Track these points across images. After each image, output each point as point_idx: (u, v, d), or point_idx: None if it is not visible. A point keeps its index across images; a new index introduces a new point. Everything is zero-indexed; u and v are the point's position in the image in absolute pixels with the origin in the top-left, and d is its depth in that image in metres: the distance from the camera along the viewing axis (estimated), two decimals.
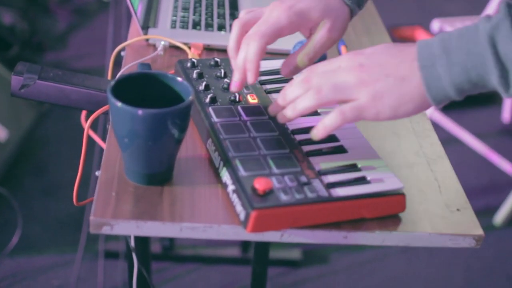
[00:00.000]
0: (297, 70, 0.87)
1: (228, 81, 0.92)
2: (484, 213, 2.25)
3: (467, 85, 0.72)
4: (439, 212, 0.82)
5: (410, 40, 3.11)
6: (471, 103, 2.68)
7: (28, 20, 2.75)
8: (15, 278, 1.89)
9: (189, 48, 1.12)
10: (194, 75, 0.95)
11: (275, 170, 0.79)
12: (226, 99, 0.90)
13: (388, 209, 0.80)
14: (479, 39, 0.70)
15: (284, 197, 0.75)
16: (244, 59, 0.83)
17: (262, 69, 0.98)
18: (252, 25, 0.85)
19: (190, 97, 0.76)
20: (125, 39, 1.14)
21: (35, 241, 2.00)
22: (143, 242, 1.04)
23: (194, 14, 1.24)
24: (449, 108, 2.29)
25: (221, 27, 1.21)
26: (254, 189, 0.75)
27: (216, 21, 1.23)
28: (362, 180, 0.79)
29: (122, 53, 1.11)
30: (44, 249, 1.98)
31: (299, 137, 0.86)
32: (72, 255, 1.88)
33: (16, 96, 0.93)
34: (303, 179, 0.78)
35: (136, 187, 0.79)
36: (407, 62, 0.74)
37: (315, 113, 0.90)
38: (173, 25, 1.20)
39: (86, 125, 0.89)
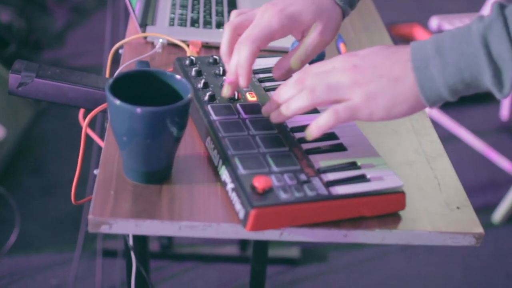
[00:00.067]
0: (289, 72, 0.87)
1: None
2: (482, 210, 2.25)
3: (461, 86, 0.72)
4: (439, 210, 0.82)
5: (408, 37, 3.11)
6: (469, 101, 2.68)
7: (26, 18, 2.74)
8: (13, 277, 1.88)
9: (188, 45, 1.11)
10: (193, 73, 0.95)
11: (274, 168, 0.78)
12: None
13: (388, 207, 0.79)
14: (472, 40, 0.70)
15: (283, 196, 0.74)
16: (236, 64, 0.83)
17: (260, 67, 0.98)
18: (244, 28, 0.85)
19: (189, 95, 0.76)
20: (123, 37, 1.14)
21: (33, 239, 1.99)
22: (141, 240, 1.04)
23: (192, 12, 1.23)
24: (447, 106, 2.28)
25: (219, 25, 1.20)
26: (253, 188, 0.75)
27: (214, 18, 1.22)
28: (361, 178, 0.79)
29: (120, 51, 1.10)
30: (42, 248, 1.98)
31: (298, 135, 0.85)
32: (70, 253, 1.87)
33: (13, 94, 0.93)
34: (303, 177, 0.77)
35: (134, 185, 0.79)
36: (401, 63, 0.74)
37: (314, 111, 0.90)
38: (171, 22, 1.19)
39: (84, 123, 0.89)
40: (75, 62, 2.85)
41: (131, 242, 1.01)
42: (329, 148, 0.84)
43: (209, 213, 0.76)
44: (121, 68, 1.02)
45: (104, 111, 0.90)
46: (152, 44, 1.12)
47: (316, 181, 0.77)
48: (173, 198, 0.78)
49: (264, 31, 0.83)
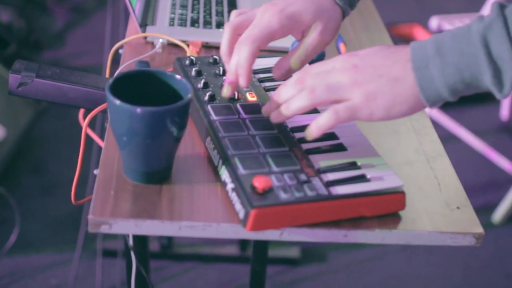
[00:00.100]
0: (289, 72, 0.87)
1: None
2: (482, 210, 2.25)
3: (461, 86, 0.72)
4: (439, 210, 0.82)
5: (408, 37, 3.11)
6: (469, 101, 2.67)
7: (26, 18, 2.74)
8: (13, 277, 1.88)
9: (188, 45, 1.11)
10: (193, 73, 0.95)
11: (274, 168, 0.78)
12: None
13: (388, 207, 0.79)
14: (472, 40, 0.70)
15: (283, 196, 0.74)
16: (236, 65, 0.83)
17: (261, 67, 0.98)
18: (243, 28, 0.85)
19: (189, 95, 0.76)
20: (123, 37, 1.14)
21: (33, 239, 1.99)
22: (141, 240, 1.04)
23: (192, 12, 1.23)
24: (447, 106, 2.28)
25: (219, 25, 1.20)
26: (253, 188, 0.75)
27: (214, 18, 1.22)
28: (361, 178, 0.79)
29: (120, 51, 1.10)
30: (42, 248, 1.98)
31: (298, 135, 0.85)
32: (70, 253, 1.87)
33: (13, 94, 0.93)
34: (303, 177, 0.77)
35: (134, 185, 0.79)
36: (401, 63, 0.74)
37: (315, 111, 0.90)
38: (171, 22, 1.19)
39: (84, 123, 0.89)
40: (75, 62, 2.84)
41: (131, 242, 1.01)
42: (329, 148, 0.84)
43: (209, 213, 0.76)
44: (121, 68, 1.02)
45: (104, 111, 0.90)
46: (152, 44, 1.12)
47: (316, 181, 0.77)
48: (173, 198, 0.78)
49: (264, 31, 0.83)
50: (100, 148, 0.88)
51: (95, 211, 0.74)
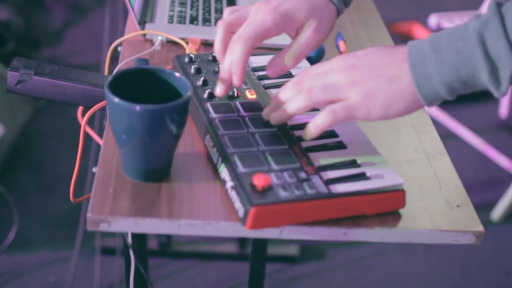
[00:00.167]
0: (283, 70, 0.86)
1: None
2: (481, 208, 2.25)
3: (458, 84, 0.72)
4: (439, 208, 0.82)
5: (407, 35, 3.11)
6: (468, 98, 2.67)
7: (24, 15, 2.73)
8: (12, 274, 1.88)
9: (187, 43, 1.11)
10: (192, 71, 0.94)
11: (274, 166, 0.78)
12: None
13: (388, 205, 0.79)
14: (469, 37, 0.70)
15: (283, 194, 0.74)
16: (229, 63, 0.82)
17: (260, 64, 0.98)
18: (237, 26, 0.84)
19: (189, 93, 0.75)
20: (122, 34, 1.14)
21: (32, 237, 1.99)
22: (140, 238, 1.04)
23: (191, 9, 1.23)
24: (446, 103, 2.28)
25: None
26: (253, 186, 0.74)
27: (213, 16, 1.22)
28: (361, 176, 0.79)
29: (119, 49, 1.10)
30: (40, 246, 1.97)
31: (298, 132, 0.85)
32: (68, 251, 1.87)
33: (12, 91, 0.92)
34: (302, 175, 0.77)
35: (133, 183, 0.78)
36: (398, 62, 0.75)
37: (316, 110, 0.89)
38: (171, 20, 1.19)
39: (82, 121, 0.89)
40: (74, 60, 2.84)
41: (130, 240, 1.01)
42: (329, 146, 0.84)
43: (208, 211, 0.76)
44: (120, 66, 1.02)
45: (103, 109, 0.90)
46: (151, 42, 1.12)
47: (316, 179, 0.77)
48: (172, 196, 0.77)
49: (258, 29, 0.82)
50: (99, 146, 0.88)
51: (93, 209, 0.74)
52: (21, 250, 1.94)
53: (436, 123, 2.57)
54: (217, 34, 0.85)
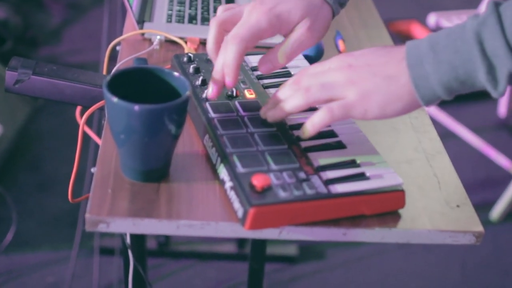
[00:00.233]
0: (275, 67, 0.85)
1: None
2: (480, 208, 2.25)
3: (455, 84, 0.72)
4: (438, 208, 0.81)
5: (406, 34, 3.11)
6: (467, 98, 2.67)
7: (22, 14, 2.73)
8: (10, 275, 1.88)
9: (185, 42, 1.11)
10: (191, 70, 0.94)
11: (273, 166, 0.78)
12: (223, 94, 0.89)
13: (387, 205, 0.79)
14: (466, 37, 0.70)
15: (282, 194, 0.74)
16: (222, 64, 0.81)
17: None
18: (230, 24, 0.83)
19: (187, 93, 0.75)
20: (120, 34, 1.13)
21: (30, 237, 1.99)
22: (139, 239, 1.03)
23: (190, 8, 1.23)
24: (445, 103, 2.28)
25: None
26: (252, 186, 0.74)
27: (212, 15, 1.22)
28: (361, 176, 0.79)
29: (118, 48, 1.10)
30: (39, 246, 1.97)
31: (297, 132, 0.85)
32: (67, 251, 1.87)
33: (10, 91, 0.92)
34: (302, 175, 0.77)
35: (132, 184, 0.78)
36: (396, 61, 0.74)
37: (314, 109, 0.89)
38: (169, 19, 1.18)
39: (81, 121, 0.88)
40: (72, 59, 2.84)
41: (128, 240, 1.00)
42: (328, 146, 0.83)
43: (207, 212, 0.75)
44: (119, 65, 1.01)
45: (101, 109, 0.90)
46: (150, 41, 1.11)
47: (315, 179, 0.77)
48: (171, 197, 0.77)
49: (252, 30, 0.81)
50: (97, 146, 0.88)
51: (92, 210, 0.73)
52: (19, 250, 1.94)
53: (435, 122, 2.57)
54: (209, 32, 0.84)
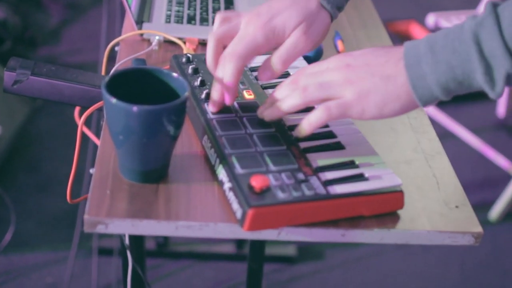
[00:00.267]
0: (273, 74, 0.84)
1: None
2: (479, 208, 2.25)
3: (453, 84, 0.72)
4: (437, 209, 0.81)
5: (405, 34, 3.11)
6: (466, 98, 2.67)
7: (21, 14, 2.72)
8: (9, 275, 1.87)
9: (184, 43, 1.11)
10: (189, 71, 0.94)
11: (272, 167, 0.78)
12: None
13: (386, 206, 0.79)
14: (464, 37, 0.70)
15: (281, 195, 0.74)
16: (221, 81, 0.82)
17: (257, 64, 0.97)
18: (228, 38, 0.83)
19: (186, 93, 0.75)
20: (119, 34, 1.13)
21: (29, 238, 1.98)
22: (137, 239, 1.03)
23: (189, 9, 1.23)
24: (444, 103, 2.29)
25: None
26: (250, 187, 0.74)
27: (211, 15, 1.21)
28: (360, 177, 0.78)
29: (116, 48, 1.09)
30: (37, 246, 1.97)
31: (295, 133, 0.84)
32: (65, 252, 1.86)
33: (8, 92, 0.92)
34: (301, 176, 0.77)
35: (131, 185, 0.78)
36: (394, 61, 0.75)
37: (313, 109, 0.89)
38: (168, 19, 1.18)
39: (80, 121, 0.88)
40: (71, 59, 2.83)
41: (127, 241, 1.00)
42: (327, 147, 0.83)
43: (206, 213, 0.75)
44: (117, 66, 1.01)
45: (100, 109, 0.89)
46: (149, 41, 1.11)
47: (314, 180, 0.77)
48: (170, 198, 0.77)
49: (249, 47, 0.81)
50: (96, 146, 0.87)
51: (91, 211, 0.73)
52: (18, 250, 1.94)
53: (433, 122, 2.57)
54: (208, 47, 0.85)
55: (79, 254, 1.85)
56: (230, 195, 0.75)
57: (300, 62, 1.01)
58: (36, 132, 2.41)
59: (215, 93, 0.84)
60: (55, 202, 2.10)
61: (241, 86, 0.92)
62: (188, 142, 0.86)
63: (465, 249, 2.10)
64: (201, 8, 1.23)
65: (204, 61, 0.96)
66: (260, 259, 1.45)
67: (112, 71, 0.94)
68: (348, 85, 0.75)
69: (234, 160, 0.78)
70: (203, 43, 1.13)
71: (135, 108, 0.72)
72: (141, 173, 0.78)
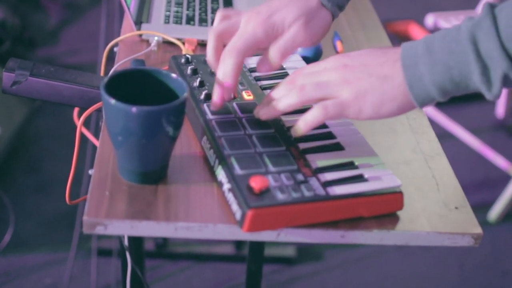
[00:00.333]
0: (271, 67, 0.84)
1: None
2: (478, 209, 2.25)
3: (450, 85, 0.72)
4: (437, 210, 0.81)
5: (404, 35, 3.11)
6: (464, 98, 2.67)
7: (19, 15, 2.72)
8: (7, 277, 1.87)
9: (183, 43, 1.10)
10: (188, 71, 0.94)
11: (271, 168, 0.77)
12: None
13: (386, 207, 0.79)
14: (461, 38, 0.70)
15: (280, 196, 0.73)
16: (222, 77, 0.82)
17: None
18: (228, 35, 0.84)
19: (185, 94, 0.75)
20: (118, 35, 1.13)
21: (28, 239, 1.98)
22: (136, 240, 1.03)
23: (187, 9, 1.23)
24: (443, 104, 2.28)
25: None
26: (250, 188, 0.74)
27: (210, 16, 1.21)
28: (359, 178, 0.78)
29: (115, 49, 1.09)
30: (36, 247, 1.97)
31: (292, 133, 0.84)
32: (65, 253, 1.86)
33: (7, 93, 0.92)
34: (300, 177, 0.77)
35: (130, 186, 0.78)
36: (391, 62, 0.75)
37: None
38: (167, 20, 1.18)
39: (79, 122, 0.88)
40: (70, 60, 2.83)
41: (126, 242, 1.00)
42: (327, 148, 0.83)
43: (205, 214, 0.75)
44: (116, 67, 1.01)
45: (99, 110, 0.89)
46: (147, 42, 1.11)
47: (313, 181, 0.77)
48: (169, 199, 0.77)
49: (249, 42, 0.82)
50: (95, 147, 0.87)
51: (90, 212, 0.73)
52: (17, 251, 1.94)
53: (432, 123, 2.57)
54: (208, 44, 0.85)
55: (78, 255, 1.85)
56: (230, 196, 0.75)
57: (300, 63, 1.01)
58: (35, 133, 2.40)
59: (217, 89, 0.83)
60: (54, 203, 2.09)
61: (240, 87, 0.92)
62: (187, 143, 0.86)
63: (465, 250, 2.09)
64: (200, 9, 1.23)
65: (204, 61, 0.97)
66: (260, 260, 1.45)
67: (111, 72, 0.94)
68: (345, 85, 0.75)
69: (233, 161, 0.77)
70: (202, 44, 1.13)
71: (134, 109, 0.71)
72: (140, 174, 0.77)
